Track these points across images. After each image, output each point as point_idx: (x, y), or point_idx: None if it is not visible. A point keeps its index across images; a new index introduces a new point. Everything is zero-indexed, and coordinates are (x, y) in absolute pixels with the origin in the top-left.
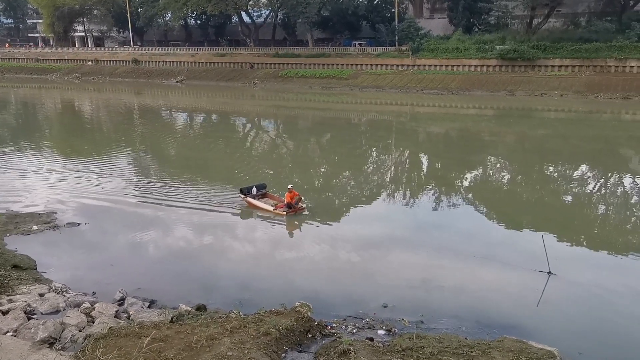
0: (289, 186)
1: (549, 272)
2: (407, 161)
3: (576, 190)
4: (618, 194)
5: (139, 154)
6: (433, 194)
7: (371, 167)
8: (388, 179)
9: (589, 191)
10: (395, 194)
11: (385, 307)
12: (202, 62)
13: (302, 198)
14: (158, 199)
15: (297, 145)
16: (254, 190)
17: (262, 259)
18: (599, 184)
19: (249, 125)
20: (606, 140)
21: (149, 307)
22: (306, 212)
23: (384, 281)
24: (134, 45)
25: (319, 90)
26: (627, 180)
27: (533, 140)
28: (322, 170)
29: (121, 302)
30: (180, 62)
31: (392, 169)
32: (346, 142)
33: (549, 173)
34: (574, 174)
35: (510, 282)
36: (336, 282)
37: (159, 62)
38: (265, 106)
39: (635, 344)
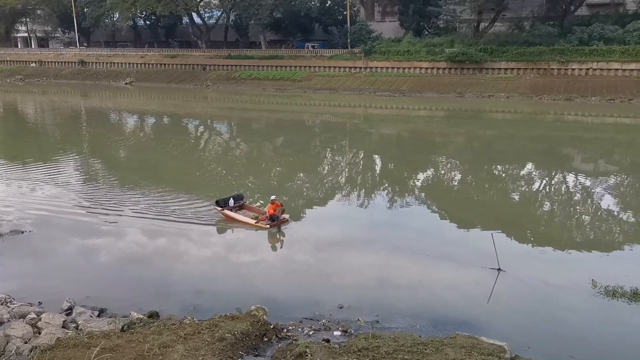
0: (272, 197)
1: (499, 269)
2: (361, 162)
3: (523, 189)
4: (562, 191)
5: (87, 159)
6: (387, 194)
7: (326, 169)
8: (343, 180)
9: (535, 190)
10: (350, 195)
11: (341, 307)
12: (152, 64)
13: (285, 209)
14: (108, 207)
15: (251, 147)
16: (231, 201)
17: (217, 263)
18: (544, 182)
19: (201, 128)
20: (550, 140)
21: (99, 315)
22: (286, 225)
23: (340, 282)
24: (80, 46)
25: (273, 92)
26: (571, 178)
27: (482, 140)
28: (277, 172)
29: (69, 311)
30: (130, 63)
31: (346, 170)
32: (301, 144)
33: (497, 172)
34: (521, 173)
35: (462, 280)
36: (292, 284)
37: (107, 63)
38: (218, 108)
39: (579, 336)
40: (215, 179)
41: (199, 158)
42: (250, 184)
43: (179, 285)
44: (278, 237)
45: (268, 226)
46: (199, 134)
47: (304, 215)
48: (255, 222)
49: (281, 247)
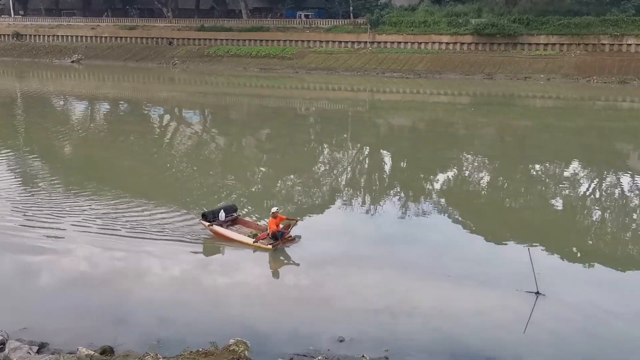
0: (274, 209)
1: (537, 292)
2: (366, 161)
3: (566, 194)
4: (615, 197)
5: (23, 157)
6: (398, 201)
7: (322, 169)
8: (343, 183)
9: (581, 195)
10: (353, 201)
11: (341, 341)
12: (106, 37)
13: (291, 223)
14: (48, 216)
15: (229, 142)
16: (222, 214)
17: (188, 286)
18: (592, 185)
19: (167, 118)
20: (600, 132)
21: (38, 352)
22: (294, 243)
23: (340, 309)
24: (15, 15)
25: (256, 73)
26: (625, 181)
27: (515, 133)
28: (262, 173)
29: (1, 347)
30: (77, 36)
31: (348, 171)
32: (291, 138)
33: (534, 173)
34: (564, 174)
35: (492, 306)
36: (281, 311)
37: (49, 36)
38: (187, 93)
39: None
40: (184, 182)
41: (163, 155)
42: (227, 189)
43: (139, 313)
44: (283, 260)
45: (270, 246)
46: (163, 125)
47: (295, 227)
48: (254, 242)
49: (268, 267)
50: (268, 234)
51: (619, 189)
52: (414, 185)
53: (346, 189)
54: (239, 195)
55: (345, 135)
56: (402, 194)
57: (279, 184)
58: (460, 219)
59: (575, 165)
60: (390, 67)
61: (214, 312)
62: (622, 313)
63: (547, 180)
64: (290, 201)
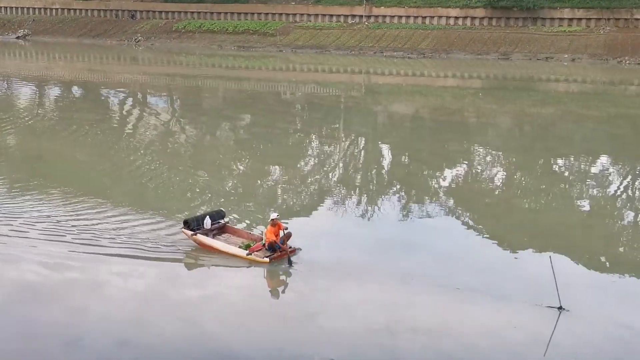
0: (273, 216)
1: (560, 308)
2: (362, 155)
3: (594, 194)
4: None
5: None
6: (399, 201)
7: (311, 165)
8: (335, 181)
9: (611, 194)
10: (346, 202)
11: None
12: (57, 9)
13: (290, 232)
14: None
15: (202, 133)
16: (207, 221)
17: (152, 301)
18: (624, 184)
19: (128, 104)
20: (633, 122)
21: None
22: (294, 257)
23: (331, 327)
24: None
25: (234, 52)
26: None
27: (535, 122)
28: (241, 169)
29: None
30: (23, 8)
31: (340, 167)
32: (274, 129)
33: (557, 169)
34: (591, 171)
35: (507, 323)
36: (261, 331)
37: None
38: (153, 75)
39: None
40: (147, 180)
41: (124, 149)
42: (199, 188)
43: (94, 334)
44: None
45: (267, 260)
46: (124, 113)
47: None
48: (248, 254)
49: (247, 280)
50: (264, 245)
51: None
52: (416, 183)
53: (339, 187)
54: (213, 195)
55: (337, 125)
56: (403, 193)
57: (259, 182)
58: (470, 222)
59: (604, 161)
60: (390, 45)
61: (183, 332)
62: None
63: (571, 178)
64: (273, 202)
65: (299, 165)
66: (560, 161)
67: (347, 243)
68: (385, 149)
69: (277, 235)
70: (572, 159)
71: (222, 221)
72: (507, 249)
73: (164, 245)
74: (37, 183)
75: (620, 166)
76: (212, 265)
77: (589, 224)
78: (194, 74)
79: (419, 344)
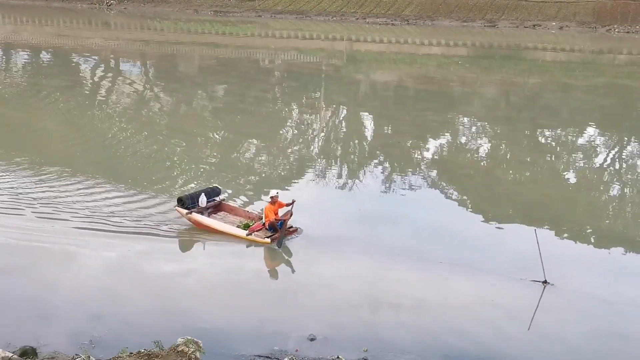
0: (273, 193)
1: (544, 282)
2: (344, 125)
3: (581, 166)
4: (638, 169)
5: None
6: (381, 173)
7: (290, 135)
8: (316, 152)
9: (598, 167)
10: (327, 174)
11: (312, 340)
12: None
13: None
14: None
15: (177, 101)
16: (203, 199)
17: (126, 274)
18: (612, 156)
19: (100, 71)
20: (621, 92)
21: None
22: (295, 235)
23: (312, 302)
24: None
25: (210, 17)
26: None
27: (521, 92)
28: (217, 139)
29: None
30: None
31: (321, 137)
32: (252, 98)
33: (543, 141)
34: (578, 142)
35: (491, 298)
36: (241, 306)
37: None
38: (126, 40)
39: None
40: (118, 149)
41: (95, 117)
42: (174, 159)
43: (67, 308)
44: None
45: (268, 240)
46: (96, 80)
47: (257, 202)
48: (248, 234)
49: (226, 256)
50: (264, 224)
51: None
52: (399, 154)
53: (319, 159)
54: (189, 165)
55: (318, 94)
56: (387, 165)
57: (237, 153)
58: (454, 194)
59: (591, 132)
60: (373, 11)
61: (160, 307)
62: None
63: (558, 150)
64: (252, 173)
65: (278, 136)
66: (546, 132)
67: (329, 216)
68: (367, 119)
69: (276, 213)
70: (558, 130)
71: (217, 198)
72: (492, 223)
73: (137, 219)
74: (2, 152)
75: (606, 138)
76: (190, 240)
77: (575, 196)
78: (169, 40)
79: (400, 319)
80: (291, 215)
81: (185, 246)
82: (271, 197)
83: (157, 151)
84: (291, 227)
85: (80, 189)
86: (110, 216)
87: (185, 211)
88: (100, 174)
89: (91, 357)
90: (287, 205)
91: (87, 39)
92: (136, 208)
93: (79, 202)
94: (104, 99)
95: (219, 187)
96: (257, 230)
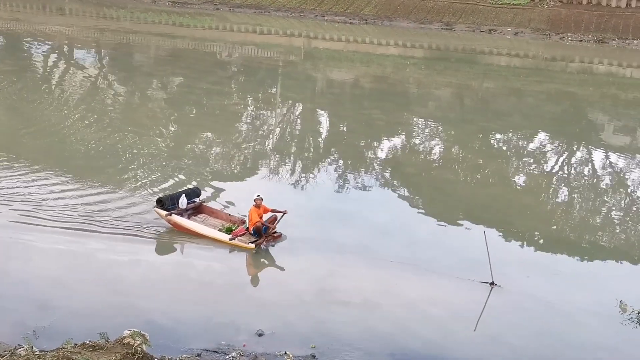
0: (256, 196)
1: (492, 283)
2: (299, 122)
3: (530, 171)
4: (585, 175)
5: None
6: (335, 171)
7: (245, 130)
8: (270, 149)
9: (547, 172)
10: (280, 171)
11: (260, 335)
12: None
13: (278, 216)
14: None
15: (131, 92)
16: (183, 200)
17: (73, 266)
18: (561, 161)
19: (53, 58)
20: (573, 99)
21: None
22: (280, 240)
23: (261, 298)
24: None
25: (168, 8)
26: (598, 157)
27: (476, 96)
28: (170, 132)
29: None
30: None
31: (276, 134)
32: (208, 90)
33: (494, 144)
34: (529, 147)
35: (439, 297)
36: (189, 301)
37: None
38: (81, 27)
39: None
40: (69, 140)
41: (44, 106)
42: (125, 151)
43: (10, 298)
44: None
45: (252, 246)
46: (48, 66)
47: (209, 197)
48: (231, 239)
49: (175, 250)
50: (247, 229)
51: (590, 167)
52: (354, 153)
53: (273, 155)
54: (141, 157)
55: (274, 90)
56: (340, 164)
57: (190, 146)
58: (406, 195)
59: (542, 137)
60: (332, 9)
61: (108, 299)
62: (585, 310)
63: (509, 154)
64: (204, 166)
65: (232, 131)
66: (498, 136)
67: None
68: (323, 117)
69: (261, 217)
70: (510, 134)
71: (197, 200)
72: (442, 223)
73: (86, 212)
74: None
75: (557, 143)
76: (140, 234)
77: (524, 200)
78: (125, 29)
79: (349, 317)
80: (277, 221)
81: (135, 240)
82: (255, 200)
83: (107, 141)
84: (276, 232)
85: (29, 179)
86: (58, 208)
87: (164, 213)
88: (47, 163)
89: (34, 348)
90: (274, 211)
91: (39, 25)
92: (84, 200)
93: (23, 193)
94: (55, 87)
95: (199, 188)
96: (240, 235)
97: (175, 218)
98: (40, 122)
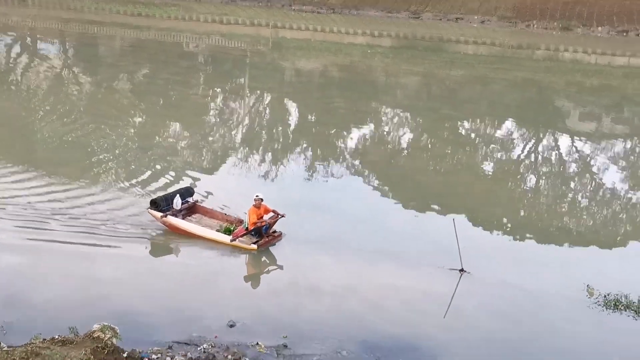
0: (256, 196)
1: (461, 270)
2: (267, 112)
3: (498, 158)
4: (551, 162)
5: None
6: (304, 161)
7: (213, 121)
8: (238, 138)
9: (514, 159)
10: (250, 161)
11: (232, 326)
12: None
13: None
14: None
15: (97, 84)
16: (177, 201)
17: (39, 261)
18: (527, 148)
19: (16, 49)
20: (538, 86)
21: None
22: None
23: (232, 290)
24: None
25: None
26: (564, 143)
27: (443, 84)
28: (137, 124)
29: None
30: None
31: (244, 124)
32: (174, 82)
33: (462, 132)
34: (496, 134)
35: (409, 285)
36: (159, 294)
37: None
38: (44, 18)
39: None
40: (34, 135)
41: (5, 97)
42: (95, 146)
43: None
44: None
45: (255, 247)
46: (11, 58)
47: (177, 186)
48: (232, 240)
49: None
50: (246, 229)
51: (557, 154)
52: (323, 142)
53: (242, 146)
54: (107, 150)
55: (241, 80)
56: (309, 153)
57: (157, 139)
58: (376, 183)
59: (508, 125)
60: None
61: (75, 293)
62: (553, 294)
63: (477, 141)
64: (173, 156)
65: (200, 121)
66: (465, 124)
67: (249, 203)
68: (292, 107)
69: (260, 217)
70: (477, 122)
71: (190, 199)
72: (412, 212)
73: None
74: None
75: (524, 131)
76: (109, 226)
77: (492, 187)
78: (89, 20)
79: (321, 306)
80: (276, 220)
81: (104, 234)
82: (255, 200)
83: (71, 134)
84: (275, 231)
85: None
86: (22, 204)
87: (159, 214)
88: (9, 155)
89: (2, 344)
90: (274, 213)
91: (2, 15)
92: (51, 194)
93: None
94: (17, 78)
95: (192, 187)
96: (241, 236)
97: (172, 220)
98: (2, 114)
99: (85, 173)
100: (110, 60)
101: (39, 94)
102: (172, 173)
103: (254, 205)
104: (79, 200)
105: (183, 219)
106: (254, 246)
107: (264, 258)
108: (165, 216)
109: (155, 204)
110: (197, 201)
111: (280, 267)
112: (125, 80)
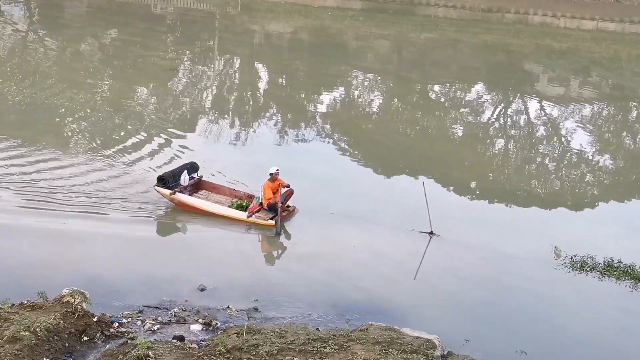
0: (272, 170)
1: (431, 233)
2: (237, 76)
3: (467, 121)
4: (520, 125)
5: None
6: (275, 125)
7: (182, 85)
8: (208, 102)
9: (483, 122)
10: (220, 124)
11: (202, 290)
12: None
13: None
14: None
15: (62, 48)
16: (185, 177)
17: (6, 227)
18: (496, 111)
19: None
20: (508, 50)
21: None
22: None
23: (202, 255)
24: None
25: None
26: (532, 107)
27: (413, 47)
28: (104, 87)
29: None
30: None
31: (214, 88)
32: (143, 45)
33: (432, 95)
34: (466, 98)
35: (379, 248)
36: (130, 259)
37: None
38: None
39: (534, 325)
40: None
41: None
42: (56, 111)
43: None
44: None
45: (272, 222)
46: None
47: (145, 153)
48: (248, 217)
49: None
50: (261, 204)
51: (525, 117)
52: (293, 106)
53: (212, 110)
54: (76, 116)
55: (210, 43)
56: (280, 117)
57: (127, 103)
58: (346, 147)
59: (478, 88)
60: None
61: (44, 258)
62: (519, 256)
63: (446, 105)
64: (140, 123)
65: (169, 85)
66: (437, 87)
67: (219, 167)
68: (262, 70)
69: (275, 192)
70: (447, 85)
71: (196, 175)
72: (382, 175)
73: (22, 172)
74: None
75: (493, 94)
76: (77, 194)
77: (461, 151)
78: None
79: (291, 269)
80: (291, 194)
81: (74, 200)
82: (270, 174)
83: (41, 99)
84: (289, 206)
85: None
86: None
87: (168, 191)
88: None
89: None
90: (287, 185)
91: None
92: (21, 159)
93: None
94: None
95: (197, 163)
96: (256, 212)
97: (181, 196)
98: None
99: (53, 137)
100: (76, 22)
101: (4, 58)
102: (270, 168)
103: (269, 180)
104: (44, 164)
105: (190, 195)
106: (272, 222)
107: (231, 224)
108: (174, 193)
109: (162, 181)
110: (202, 177)
111: (250, 233)
112: (92, 43)
